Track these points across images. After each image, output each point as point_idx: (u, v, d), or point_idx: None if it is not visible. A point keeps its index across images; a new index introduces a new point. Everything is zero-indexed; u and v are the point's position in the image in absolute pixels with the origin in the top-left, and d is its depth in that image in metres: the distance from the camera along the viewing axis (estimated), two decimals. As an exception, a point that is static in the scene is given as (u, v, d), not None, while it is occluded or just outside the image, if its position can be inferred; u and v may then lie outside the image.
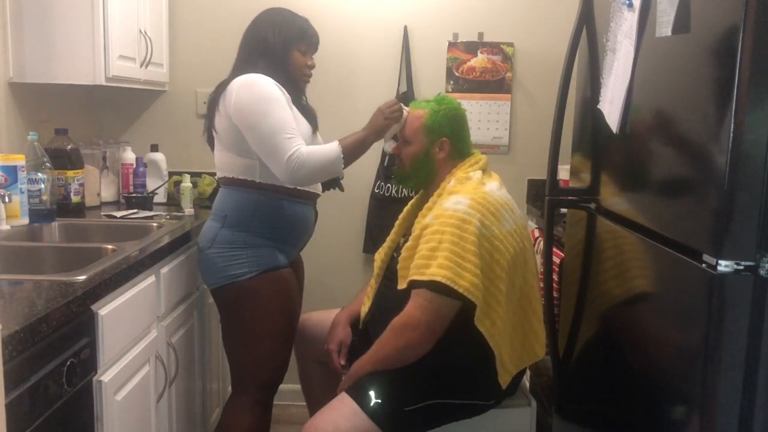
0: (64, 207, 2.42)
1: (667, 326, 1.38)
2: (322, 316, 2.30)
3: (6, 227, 2.07)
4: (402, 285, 1.89)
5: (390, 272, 2.05)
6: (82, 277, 1.59)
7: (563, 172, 2.29)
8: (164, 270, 2.06)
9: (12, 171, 2.09)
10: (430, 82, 3.03)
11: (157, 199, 2.76)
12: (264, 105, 1.99)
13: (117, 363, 1.69)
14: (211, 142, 2.18)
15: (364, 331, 2.13)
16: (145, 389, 1.89)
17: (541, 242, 2.19)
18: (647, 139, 1.50)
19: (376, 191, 3.02)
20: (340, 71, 3.02)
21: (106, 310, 1.62)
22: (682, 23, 1.34)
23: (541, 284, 2.05)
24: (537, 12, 3.00)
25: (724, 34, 1.20)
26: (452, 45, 3.02)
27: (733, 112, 1.14)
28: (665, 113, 1.43)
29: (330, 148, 2.04)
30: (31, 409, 1.28)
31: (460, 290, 1.76)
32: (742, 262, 1.17)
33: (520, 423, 2.03)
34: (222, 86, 2.08)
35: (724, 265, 1.18)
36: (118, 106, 3.05)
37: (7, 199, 2.06)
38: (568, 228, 2.07)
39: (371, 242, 3.01)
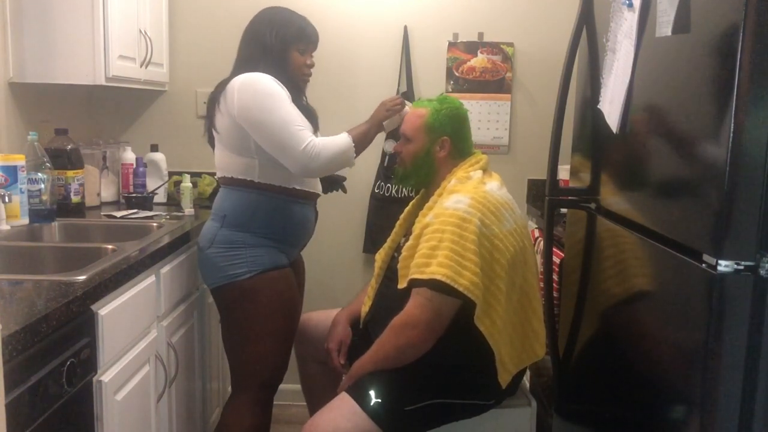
0: (64, 207, 2.42)
1: (667, 326, 1.38)
2: (322, 316, 2.30)
3: (6, 227, 2.07)
4: (402, 284, 1.89)
5: (391, 272, 2.05)
6: (82, 277, 1.59)
7: (563, 172, 2.29)
8: (164, 270, 2.06)
9: (12, 171, 2.09)
10: (430, 82, 3.03)
11: (157, 199, 2.76)
12: (269, 101, 1.99)
13: (117, 363, 1.69)
14: (211, 142, 2.18)
15: (364, 331, 2.13)
16: (145, 389, 1.89)
17: (541, 242, 2.19)
18: (647, 139, 1.50)
19: (376, 191, 3.02)
20: (340, 71, 3.02)
21: (106, 310, 1.62)
22: (682, 23, 1.34)
23: (541, 284, 2.05)
24: (537, 12, 3.00)
25: (724, 34, 1.20)
26: (452, 45, 3.02)
27: (733, 112, 1.14)
28: (665, 113, 1.43)
29: (341, 138, 2.07)
30: (31, 409, 1.28)
31: (460, 289, 1.76)
32: (742, 262, 1.17)
33: (520, 423, 2.03)
34: (222, 85, 2.08)
35: (724, 265, 1.17)
36: (118, 106, 3.05)
37: (7, 199, 2.07)
38: (568, 228, 2.07)
39: (371, 242, 3.02)
